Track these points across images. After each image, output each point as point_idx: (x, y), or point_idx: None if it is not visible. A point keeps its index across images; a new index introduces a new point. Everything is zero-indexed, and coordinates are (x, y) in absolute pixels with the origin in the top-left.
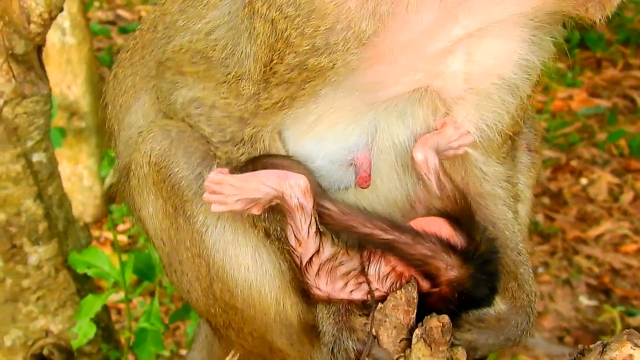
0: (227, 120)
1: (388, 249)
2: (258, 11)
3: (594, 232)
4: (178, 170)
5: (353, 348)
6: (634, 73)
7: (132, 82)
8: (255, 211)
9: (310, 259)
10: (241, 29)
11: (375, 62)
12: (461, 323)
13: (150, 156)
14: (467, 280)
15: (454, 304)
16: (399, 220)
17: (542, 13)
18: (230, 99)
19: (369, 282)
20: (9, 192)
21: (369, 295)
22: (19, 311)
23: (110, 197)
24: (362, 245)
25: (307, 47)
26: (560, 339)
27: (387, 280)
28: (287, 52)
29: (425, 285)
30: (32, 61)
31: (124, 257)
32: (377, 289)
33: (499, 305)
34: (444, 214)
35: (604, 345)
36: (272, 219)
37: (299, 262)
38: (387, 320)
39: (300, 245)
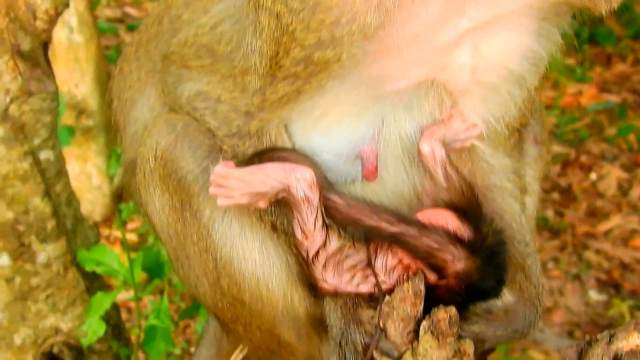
0: (233, 114)
1: (395, 241)
2: (263, 5)
3: (603, 227)
4: (184, 165)
5: (360, 341)
6: None
7: (137, 77)
8: (262, 205)
9: (317, 252)
10: (246, 23)
11: (381, 55)
12: (469, 315)
13: (156, 150)
14: (474, 272)
15: (461, 296)
16: (405, 212)
17: (548, 4)
18: (236, 93)
19: (375, 275)
20: (17, 190)
21: (376, 288)
22: (28, 309)
23: (119, 195)
24: (369, 238)
25: (312, 41)
26: (570, 334)
27: (394, 272)
28: (293, 46)
29: (432, 277)
30: (38, 58)
31: (133, 255)
32: (384, 281)
33: (507, 297)
34: (450, 206)
35: (611, 336)
36: (278, 213)
37: (305, 256)
38: (394, 312)
39: (306, 238)
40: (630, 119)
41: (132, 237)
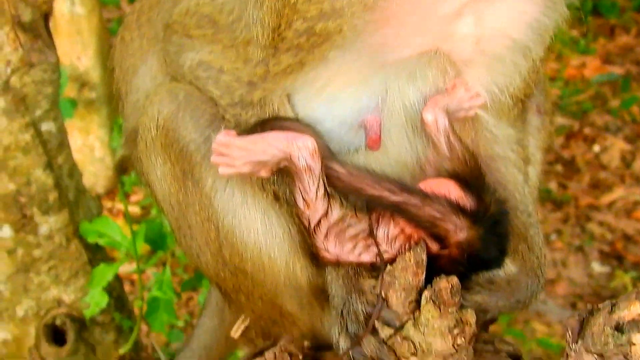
0: (236, 84)
1: (397, 210)
2: None
3: (606, 198)
4: (186, 133)
5: (362, 310)
6: None
7: (139, 44)
8: (264, 174)
9: (319, 221)
10: None
11: (382, 24)
12: (471, 285)
13: (157, 119)
14: (476, 241)
15: (463, 266)
16: (408, 182)
17: None
18: (238, 64)
19: (377, 245)
20: (19, 162)
21: (377, 258)
22: (30, 281)
23: (122, 168)
24: (371, 208)
25: (314, 13)
26: (573, 305)
27: (396, 242)
28: (295, 17)
29: (434, 247)
30: (39, 29)
31: (136, 227)
32: (385, 251)
33: (509, 267)
34: (453, 176)
35: (613, 305)
36: (280, 182)
37: (307, 225)
38: (396, 282)
39: (308, 207)
40: (634, 91)
41: (134, 209)
